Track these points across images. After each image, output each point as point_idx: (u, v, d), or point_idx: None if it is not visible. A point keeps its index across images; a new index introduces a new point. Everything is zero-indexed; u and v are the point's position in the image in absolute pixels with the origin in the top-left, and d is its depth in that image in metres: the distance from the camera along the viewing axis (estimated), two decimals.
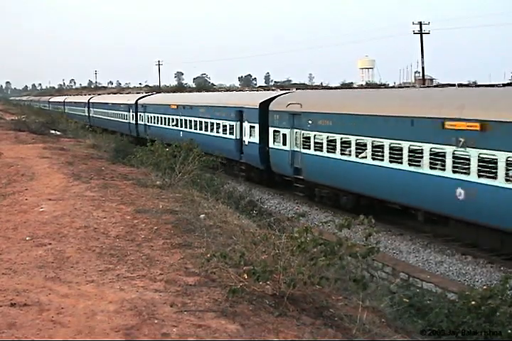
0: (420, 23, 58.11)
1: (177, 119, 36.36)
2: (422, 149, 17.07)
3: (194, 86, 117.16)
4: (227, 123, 29.38)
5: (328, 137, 21.42)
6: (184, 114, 35.22)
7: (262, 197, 23.44)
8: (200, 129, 32.76)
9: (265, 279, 6.14)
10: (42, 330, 5.19)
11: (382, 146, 18.73)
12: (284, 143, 24.22)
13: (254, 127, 26.85)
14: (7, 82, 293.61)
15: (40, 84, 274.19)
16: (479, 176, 15.12)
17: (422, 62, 57.75)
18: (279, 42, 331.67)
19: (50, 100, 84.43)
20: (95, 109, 58.42)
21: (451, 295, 11.35)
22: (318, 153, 22.16)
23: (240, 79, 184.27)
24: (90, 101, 60.77)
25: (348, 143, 20.30)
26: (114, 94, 71.97)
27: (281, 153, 24.46)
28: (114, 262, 7.37)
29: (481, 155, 15.05)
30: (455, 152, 15.84)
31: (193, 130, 33.64)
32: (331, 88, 45.05)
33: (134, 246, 8.13)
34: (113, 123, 49.63)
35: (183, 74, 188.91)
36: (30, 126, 27.46)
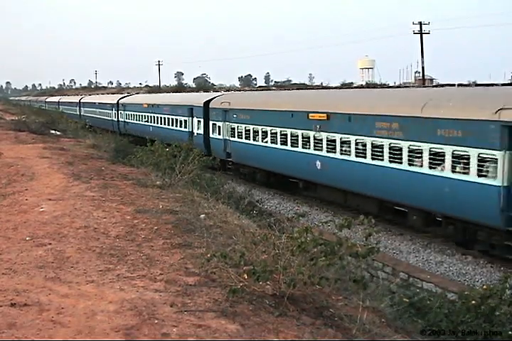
0: (420, 23, 58.15)
1: (147, 116, 43.32)
2: (297, 134, 23.43)
3: (194, 86, 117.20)
4: (182, 118, 36.20)
5: (246, 127, 27.90)
6: (152, 111, 42.13)
7: (262, 197, 23.46)
8: (164, 124, 39.48)
9: (265, 279, 6.14)
10: (42, 330, 5.19)
11: (276, 133, 25.23)
12: (219, 133, 30.57)
13: (200, 121, 33.46)
14: (7, 82, 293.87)
15: (40, 85, 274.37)
16: (327, 152, 21.38)
17: (422, 62, 57.81)
18: (279, 42, 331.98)
19: (47, 100, 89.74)
20: (85, 108, 64.62)
21: (451, 295, 11.35)
22: (240, 140, 28.51)
23: (239, 79, 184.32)
24: (81, 101, 67.22)
25: (257, 131, 26.91)
26: (113, 93, 77.70)
27: (217, 141, 30.79)
28: (114, 262, 7.37)
29: (328, 137, 21.26)
30: (315, 135, 22.05)
31: (158, 125, 40.36)
32: (309, 88, 48.89)
33: (134, 246, 8.13)
34: (100, 121, 54.88)
35: (183, 74, 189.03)
36: (30, 126, 27.46)
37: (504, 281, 7.78)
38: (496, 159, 14.29)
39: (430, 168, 16.38)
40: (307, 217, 19.71)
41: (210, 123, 31.77)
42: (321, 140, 21.56)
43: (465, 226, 16.05)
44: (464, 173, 15.27)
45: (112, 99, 54.76)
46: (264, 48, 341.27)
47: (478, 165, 14.87)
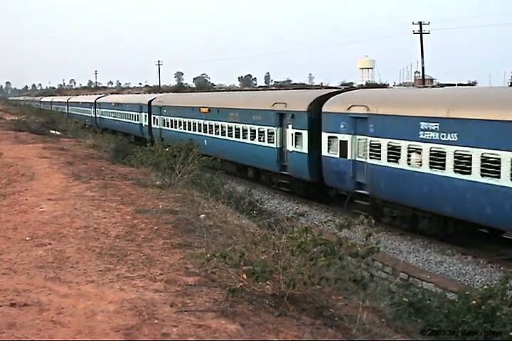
0: (420, 23, 58.13)
1: (114, 112, 54.63)
2: (195, 122, 34.35)
3: (194, 86, 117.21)
4: (135, 113, 47.05)
5: (172, 119, 38.17)
6: (117, 108, 53.58)
7: (262, 197, 23.45)
8: (124, 118, 50.59)
9: (265, 279, 6.14)
10: (42, 330, 5.19)
11: (186, 122, 35.66)
12: (157, 124, 41.24)
13: (146, 115, 44.02)
14: (7, 82, 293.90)
15: (40, 85, 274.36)
16: (210, 133, 32.36)
17: (422, 62, 57.77)
18: (279, 42, 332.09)
19: (41, 100, 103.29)
20: (71, 107, 75.78)
21: (451, 295, 11.35)
22: (168, 128, 38.79)
23: (239, 79, 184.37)
24: (68, 100, 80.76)
25: (177, 121, 37.33)
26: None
27: (156, 130, 41.23)
28: (114, 262, 7.37)
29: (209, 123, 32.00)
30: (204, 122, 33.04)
31: (123, 119, 51.15)
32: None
33: (134, 246, 8.13)
34: (82, 117, 63.01)
35: (183, 74, 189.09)
36: (30, 126, 27.47)
37: (505, 282, 7.77)
38: (273, 132, 25.57)
39: (244, 138, 28.52)
40: (307, 216, 19.72)
41: (152, 116, 42.67)
42: (206, 125, 32.55)
43: (258, 170, 27.97)
44: (262, 141, 26.70)
45: (91, 99, 66.74)
46: (264, 48, 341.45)
47: (268, 136, 26.11)
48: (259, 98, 29.23)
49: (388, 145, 18.48)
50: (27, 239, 8.51)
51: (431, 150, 16.80)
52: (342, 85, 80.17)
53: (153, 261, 7.47)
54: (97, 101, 62.21)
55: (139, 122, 45.90)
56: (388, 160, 18.54)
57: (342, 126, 20.72)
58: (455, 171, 15.98)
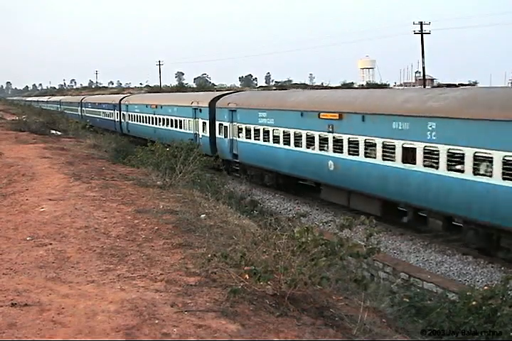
0: (421, 23, 58.19)
1: (97, 111, 60.11)
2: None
3: (195, 86, 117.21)
4: (110, 111, 54.08)
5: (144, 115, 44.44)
6: (99, 107, 59.59)
7: (263, 197, 23.48)
8: (104, 116, 57.12)
9: (266, 279, 6.13)
10: (42, 330, 5.19)
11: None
12: (123, 118, 50.01)
13: (118, 113, 51.61)
14: (8, 82, 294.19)
15: (40, 85, 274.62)
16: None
17: (423, 62, 57.83)
18: (280, 42, 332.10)
19: (31, 99, 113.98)
20: (54, 105, 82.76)
21: (451, 295, 11.34)
22: (137, 122, 45.91)
23: (240, 79, 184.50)
24: (49, 99, 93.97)
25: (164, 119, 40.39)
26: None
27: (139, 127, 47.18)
28: (115, 262, 7.37)
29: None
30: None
31: (102, 116, 57.31)
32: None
33: (134, 246, 8.13)
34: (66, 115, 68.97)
35: (183, 74, 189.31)
36: (31, 126, 27.45)
37: (506, 282, 7.77)
38: (191, 122, 33.98)
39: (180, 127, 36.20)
40: (308, 217, 19.73)
41: (124, 113, 49.68)
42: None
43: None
44: (185, 128, 34.88)
45: (77, 99, 73.46)
46: (264, 48, 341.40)
47: (189, 125, 34.25)
48: (183, 97, 39.57)
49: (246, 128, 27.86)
50: (27, 239, 8.51)
51: (264, 130, 25.91)
52: (342, 85, 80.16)
53: (154, 261, 7.47)
54: (83, 101, 60.72)
55: (112, 118, 52.31)
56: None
57: (225, 117, 29.79)
58: (274, 142, 25.07)
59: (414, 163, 17.31)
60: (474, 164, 15.21)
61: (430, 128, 16.59)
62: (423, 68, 58.73)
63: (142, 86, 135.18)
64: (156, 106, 41.20)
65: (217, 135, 31.09)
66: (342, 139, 20.60)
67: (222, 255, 6.50)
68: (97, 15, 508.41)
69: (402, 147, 17.75)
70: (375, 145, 19.03)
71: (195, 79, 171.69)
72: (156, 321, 5.41)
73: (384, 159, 18.65)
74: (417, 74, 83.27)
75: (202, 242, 8.23)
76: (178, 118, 36.99)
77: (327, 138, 21.38)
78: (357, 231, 13.03)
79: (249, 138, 27.62)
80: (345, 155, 20.55)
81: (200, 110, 32.97)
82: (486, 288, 7.62)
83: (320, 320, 6.00)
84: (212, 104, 31.93)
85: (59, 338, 5.04)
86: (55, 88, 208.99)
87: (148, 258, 7.55)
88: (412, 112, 17.57)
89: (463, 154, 15.56)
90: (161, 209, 10.43)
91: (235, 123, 29.01)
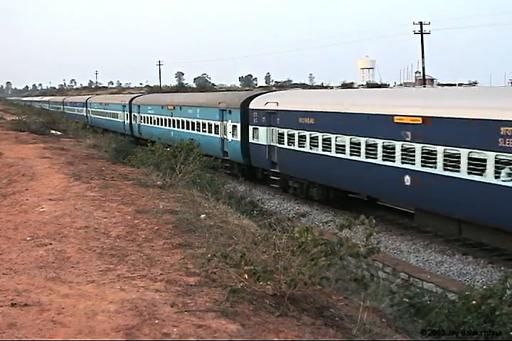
0: (421, 23, 58.15)
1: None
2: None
3: (195, 86, 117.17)
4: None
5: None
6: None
7: (263, 198, 23.47)
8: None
9: (266, 279, 6.13)
10: (42, 330, 5.19)
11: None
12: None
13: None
14: (7, 83, 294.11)
15: (40, 85, 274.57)
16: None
17: (423, 62, 57.74)
18: (280, 42, 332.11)
19: (24, 99, 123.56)
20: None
21: (451, 295, 11.34)
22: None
23: (240, 79, 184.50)
24: (39, 99, 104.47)
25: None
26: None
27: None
28: (115, 262, 7.37)
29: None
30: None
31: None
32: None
33: (134, 246, 8.13)
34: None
35: (183, 74, 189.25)
36: (31, 126, 27.44)
37: (504, 281, 7.77)
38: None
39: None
40: (308, 217, 19.74)
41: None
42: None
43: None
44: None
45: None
46: (264, 48, 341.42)
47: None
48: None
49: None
50: (27, 239, 8.51)
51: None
52: (342, 85, 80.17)
53: (154, 261, 7.47)
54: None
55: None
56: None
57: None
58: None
59: None
60: None
61: None
62: (423, 68, 58.66)
63: (142, 86, 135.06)
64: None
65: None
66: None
67: (222, 255, 6.50)
68: (97, 15, 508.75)
69: None
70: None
71: (195, 79, 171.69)
72: (156, 321, 5.42)
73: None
74: (416, 74, 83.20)
75: (202, 242, 8.23)
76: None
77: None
78: (357, 231, 13.04)
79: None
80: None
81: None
82: (485, 287, 7.62)
83: (320, 320, 6.00)
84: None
85: (59, 338, 5.04)
86: (55, 88, 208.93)
87: (148, 258, 7.55)
88: None
89: None
90: (161, 209, 10.43)
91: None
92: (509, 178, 14.25)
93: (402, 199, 18.97)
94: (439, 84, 26.82)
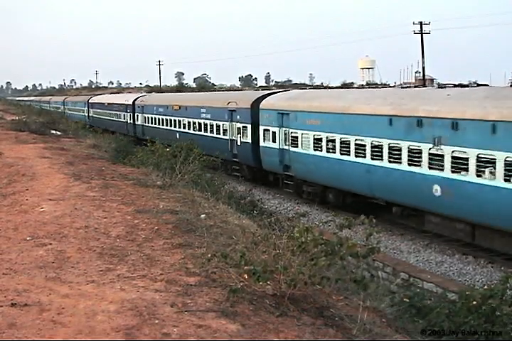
0: (421, 23, 58.13)
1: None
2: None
3: (194, 86, 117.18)
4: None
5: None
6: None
7: (263, 198, 23.47)
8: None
9: (266, 279, 6.13)
10: (42, 330, 5.19)
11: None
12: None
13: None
14: (7, 82, 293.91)
15: (40, 85, 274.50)
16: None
17: (423, 62, 57.77)
18: (280, 42, 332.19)
19: (19, 99, 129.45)
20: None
21: (451, 295, 11.34)
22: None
23: (240, 79, 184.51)
24: (29, 99, 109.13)
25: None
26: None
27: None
28: (115, 262, 7.37)
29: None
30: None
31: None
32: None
33: (134, 246, 8.13)
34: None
35: (183, 74, 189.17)
36: (31, 126, 27.44)
37: (505, 282, 7.76)
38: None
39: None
40: (308, 216, 19.72)
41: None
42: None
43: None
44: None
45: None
46: (264, 48, 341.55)
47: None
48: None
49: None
50: (27, 239, 8.51)
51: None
52: (342, 85, 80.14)
53: (154, 261, 7.47)
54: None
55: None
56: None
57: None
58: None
59: None
60: None
61: None
62: (423, 68, 58.68)
63: (142, 86, 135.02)
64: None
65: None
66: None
67: (222, 255, 6.50)
68: (97, 15, 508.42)
69: None
70: None
71: (195, 79, 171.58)
72: (156, 321, 5.41)
73: None
74: (416, 74, 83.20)
75: (202, 242, 8.22)
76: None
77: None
78: (357, 231, 13.04)
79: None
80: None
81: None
82: (485, 287, 7.61)
83: (320, 320, 6.00)
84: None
85: (59, 338, 5.04)
86: (55, 88, 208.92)
87: (148, 258, 7.55)
88: None
89: None
90: (161, 209, 10.42)
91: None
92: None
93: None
94: (439, 84, 26.78)
